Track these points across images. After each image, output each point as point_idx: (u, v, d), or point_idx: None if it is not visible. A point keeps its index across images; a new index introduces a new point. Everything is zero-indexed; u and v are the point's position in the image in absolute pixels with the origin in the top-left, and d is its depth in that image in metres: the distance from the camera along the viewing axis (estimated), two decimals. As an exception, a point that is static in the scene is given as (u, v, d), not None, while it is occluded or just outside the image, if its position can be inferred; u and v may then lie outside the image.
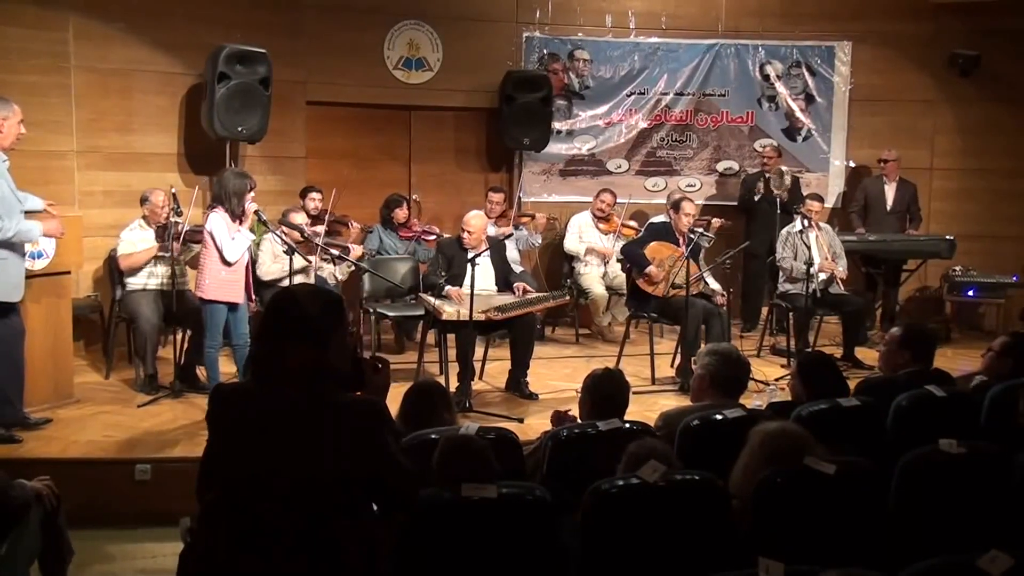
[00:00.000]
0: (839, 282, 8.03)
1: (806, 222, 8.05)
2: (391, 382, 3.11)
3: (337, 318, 2.85)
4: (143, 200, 6.99)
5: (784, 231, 8.23)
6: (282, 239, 6.95)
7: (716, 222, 8.77)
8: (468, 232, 7.00)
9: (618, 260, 8.59)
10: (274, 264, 7.47)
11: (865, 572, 2.27)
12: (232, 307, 6.38)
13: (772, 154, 9.31)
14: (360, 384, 2.94)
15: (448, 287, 6.92)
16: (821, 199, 8.60)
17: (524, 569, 3.04)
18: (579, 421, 4.53)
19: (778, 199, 8.64)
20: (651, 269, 7.34)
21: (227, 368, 6.74)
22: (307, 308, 2.78)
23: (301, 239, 7.33)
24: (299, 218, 7.65)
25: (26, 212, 5.73)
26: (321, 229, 7.82)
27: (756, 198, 9.08)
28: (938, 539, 3.15)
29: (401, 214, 8.63)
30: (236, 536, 2.66)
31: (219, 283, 6.27)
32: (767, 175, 9.09)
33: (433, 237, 8.62)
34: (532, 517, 3.07)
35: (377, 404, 2.85)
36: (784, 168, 9.04)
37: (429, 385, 4.39)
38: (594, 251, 8.94)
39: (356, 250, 7.93)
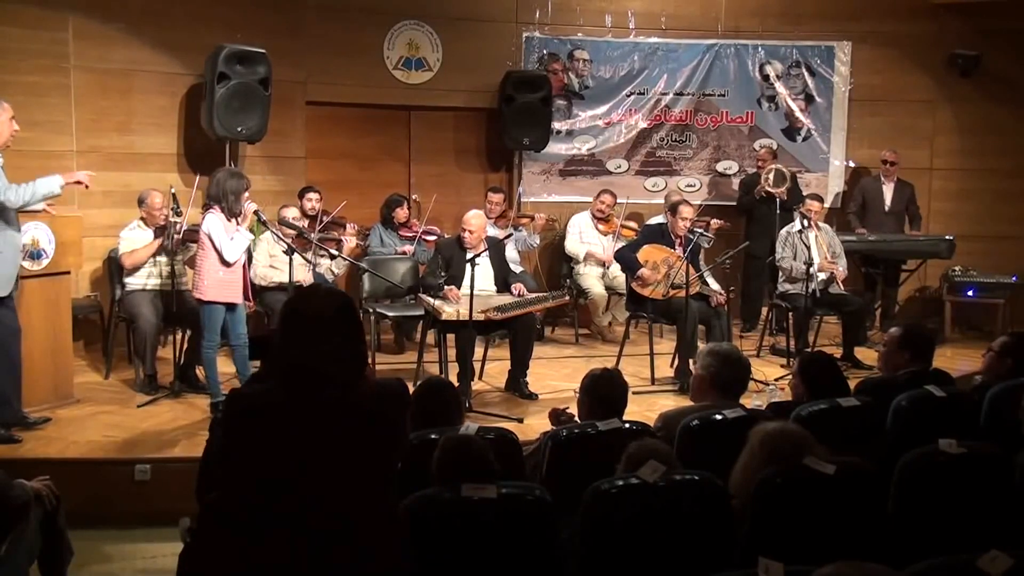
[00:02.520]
0: (839, 282, 8.04)
1: (806, 222, 8.05)
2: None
3: (355, 316, 2.89)
4: (140, 201, 6.99)
5: (784, 231, 8.22)
6: (279, 237, 6.95)
7: (715, 223, 8.76)
8: (469, 231, 7.00)
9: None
10: (268, 269, 7.46)
11: (864, 564, 2.26)
12: (230, 307, 6.36)
13: (766, 156, 9.31)
14: None
15: (446, 287, 6.91)
16: (821, 199, 8.58)
17: (523, 569, 3.04)
18: (575, 419, 4.54)
19: (778, 199, 8.65)
20: (643, 272, 7.34)
21: (225, 368, 6.72)
22: (325, 309, 2.81)
23: (297, 236, 7.33)
24: (291, 213, 7.65)
25: (25, 211, 5.74)
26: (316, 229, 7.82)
27: (758, 198, 9.06)
28: (938, 539, 3.15)
29: (402, 214, 8.63)
30: (252, 536, 2.65)
31: (217, 284, 6.24)
32: (761, 175, 9.07)
33: (433, 237, 8.62)
34: (532, 517, 3.07)
35: (401, 388, 2.86)
36: (784, 169, 9.03)
37: (441, 383, 4.36)
38: (593, 257, 8.94)
39: (350, 243, 7.90)
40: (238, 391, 3.16)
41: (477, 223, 7.06)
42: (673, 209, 7.63)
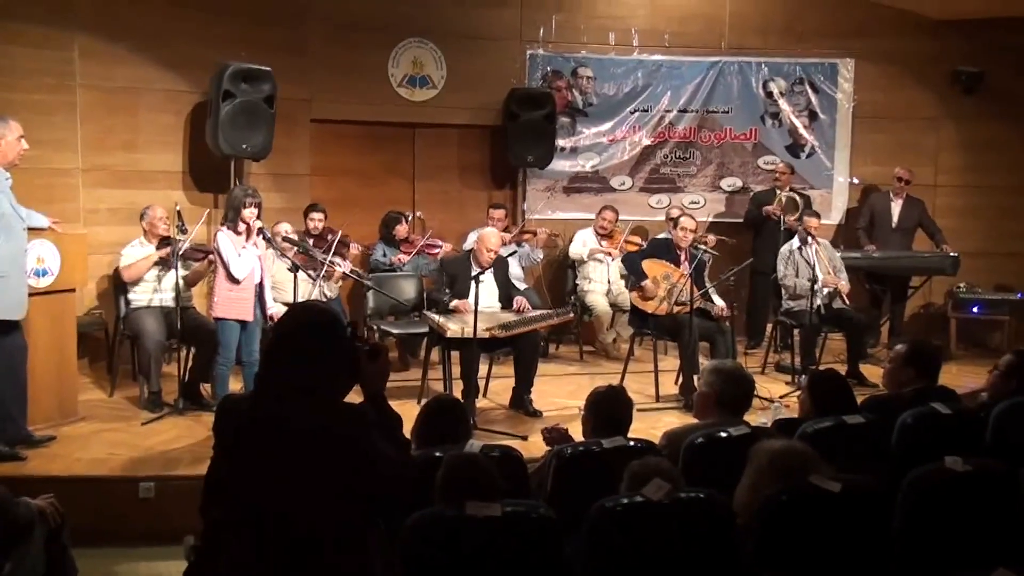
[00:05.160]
0: (843, 296, 8.02)
1: (808, 238, 8.04)
2: (390, 371, 3.11)
3: (330, 335, 2.84)
4: (141, 215, 7.02)
5: (784, 249, 8.22)
6: (282, 254, 6.96)
7: (711, 238, 8.74)
8: (493, 252, 7.02)
9: (621, 276, 8.61)
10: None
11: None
12: (243, 325, 6.36)
13: (785, 169, 9.31)
14: (355, 375, 2.93)
15: (455, 300, 6.92)
16: (818, 214, 8.56)
17: (528, 588, 3.03)
18: (567, 432, 4.54)
19: (781, 218, 8.66)
20: (646, 283, 7.35)
21: (236, 386, 6.71)
22: (292, 326, 2.83)
23: (301, 253, 7.32)
24: (284, 227, 7.62)
25: (31, 229, 5.76)
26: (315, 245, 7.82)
27: (763, 216, 9.06)
28: (944, 557, 3.14)
29: (402, 230, 8.64)
30: (239, 553, 2.66)
31: (226, 301, 6.26)
32: (779, 193, 9.11)
33: (438, 249, 8.63)
34: (536, 535, 3.07)
35: (359, 409, 2.84)
36: (797, 197, 9.06)
37: (449, 402, 4.35)
38: (599, 251, 8.93)
39: (343, 266, 7.86)
40: (229, 395, 3.21)
41: (496, 242, 7.12)
42: (675, 221, 7.68)
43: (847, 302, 8.07)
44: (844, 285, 8.02)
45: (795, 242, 8.16)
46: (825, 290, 7.90)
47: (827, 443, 3.77)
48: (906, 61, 9.86)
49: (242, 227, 6.31)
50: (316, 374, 2.74)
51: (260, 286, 6.50)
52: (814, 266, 7.88)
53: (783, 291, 8.21)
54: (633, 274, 7.56)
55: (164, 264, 6.84)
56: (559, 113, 9.56)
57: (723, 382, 4.32)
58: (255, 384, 2.89)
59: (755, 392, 4.74)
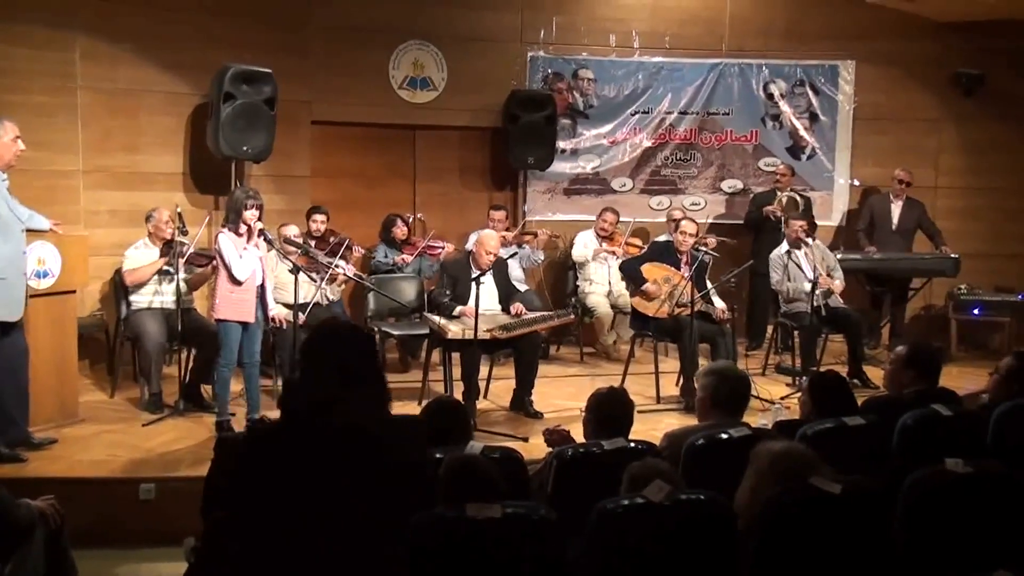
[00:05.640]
0: (837, 296, 8.01)
1: (809, 238, 8.04)
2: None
3: (373, 349, 2.90)
4: (147, 218, 7.02)
5: (773, 255, 8.20)
6: (284, 256, 6.95)
7: (711, 241, 8.75)
8: (493, 254, 7.01)
9: (621, 280, 8.62)
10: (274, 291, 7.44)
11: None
12: (244, 326, 6.36)
13: (786, 171, 9.32)
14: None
15: (460, 307, 6.92)
16: (803, 217, 8.52)
17: (529, 589, 3.03)
18: (568, 434, 4.53)
19: (782, 220, 8.67)
20: (648, 287, 7.35)
21: (236, 388, 6.69)
22: (315, 339, 2.81)
23: (303, 255, 7.32)
24: (291, 231, 7.63)
25: (31, 231, 5.76)
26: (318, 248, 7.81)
27: (764, 216, 9.07)
28: (944, 559, 3.14)
29: (399, 232, 8.65)
30: (257, 559, 2.64)
31: (228, 302, 6.24)
32: (779, 194, 9.12)
33: (439, 250, 8.63)
34: (537, 537, 3.06)
35: (416, 423, 2.84)
36: (797, 198, 9.07)
37: (450, 403, 4.35)
38: (602, 251, 8.93)
39: (347, 269, 7.85)
40: (260, 421, 3.17)
41: (495, 244, 7.11)
42: (676, 224, 7.69)
43: (841, 301, 8.07)
44: (837, 285, 8.03)
45: (783, 246, 8.15)
46: (818, 290, 7.89)
47: (828, 445, 3.77)
48: (907, 63, 9.86)
49: (243, 229, 6.30)
50: (352, 382, 2.75)
51: (262, 287, 6.49)
52: (813, 267, 7.87)
53: (779, 296, 8.20)
54: (632, 281, 7.56)
55: (168, 269, 6.84)
56: (560, 115, 9.56)
57: (717, 383, 4.32)
58: (290, 399, 2.86)
59: (752, 390, 4.74)
